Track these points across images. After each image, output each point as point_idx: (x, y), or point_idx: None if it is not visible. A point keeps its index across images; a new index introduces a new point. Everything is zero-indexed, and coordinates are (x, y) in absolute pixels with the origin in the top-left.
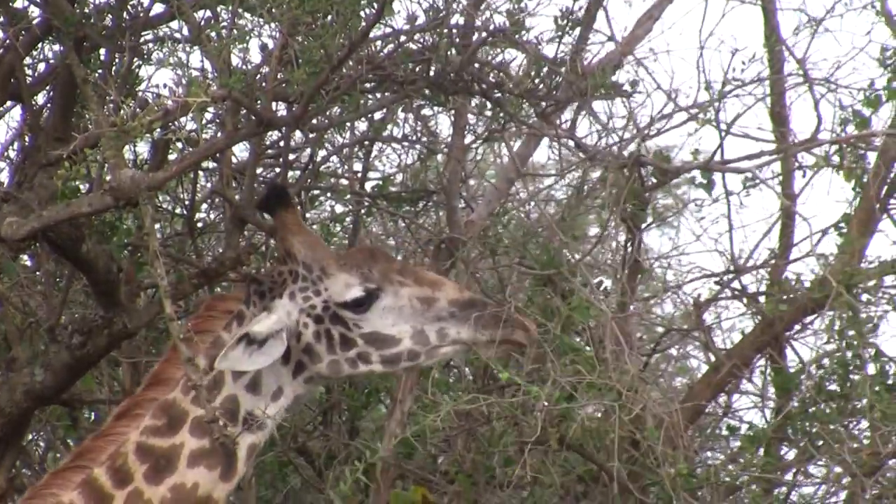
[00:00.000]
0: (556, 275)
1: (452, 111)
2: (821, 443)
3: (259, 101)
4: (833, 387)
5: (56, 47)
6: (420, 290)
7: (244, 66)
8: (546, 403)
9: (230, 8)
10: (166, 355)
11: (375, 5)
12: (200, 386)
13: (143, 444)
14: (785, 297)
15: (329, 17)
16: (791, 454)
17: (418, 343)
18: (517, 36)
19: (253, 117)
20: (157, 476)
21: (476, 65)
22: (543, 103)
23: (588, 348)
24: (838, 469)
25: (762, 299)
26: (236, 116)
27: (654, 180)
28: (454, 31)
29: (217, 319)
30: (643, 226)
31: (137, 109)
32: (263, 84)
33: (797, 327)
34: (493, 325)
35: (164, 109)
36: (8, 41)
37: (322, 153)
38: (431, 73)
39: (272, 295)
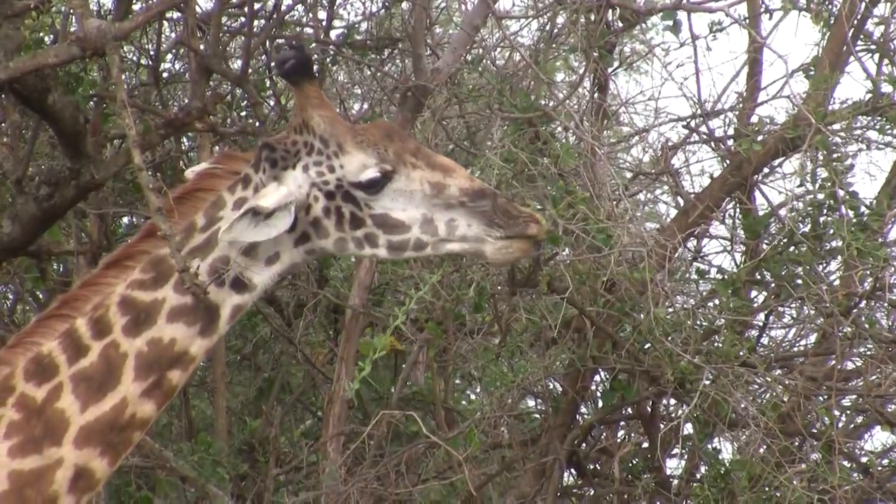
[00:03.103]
0: (536, 118)
1: None
2: (797, 283)
3: None
4: (805, 229)
5: None
6: (432, 175)
7: None
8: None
9: None
10: (168, 206)
11: None
12: (171, 235)
13: (127, 296)
14: (757, 139)
15: None
16: (761, 297)
17: (426, 233)
18: None
19: None
20: (136, 329)
21: None
22: None
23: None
24: (811, 311)
25: (731, 143)
26: None
27: (621, 24)
28: None
29: (221, 178)
30: (610, 70)
31: None
32: None
33: (766, 170)
34: (504, 223)
35: None
36: None
37: (287, 2)
38: None
39: (284, 164)
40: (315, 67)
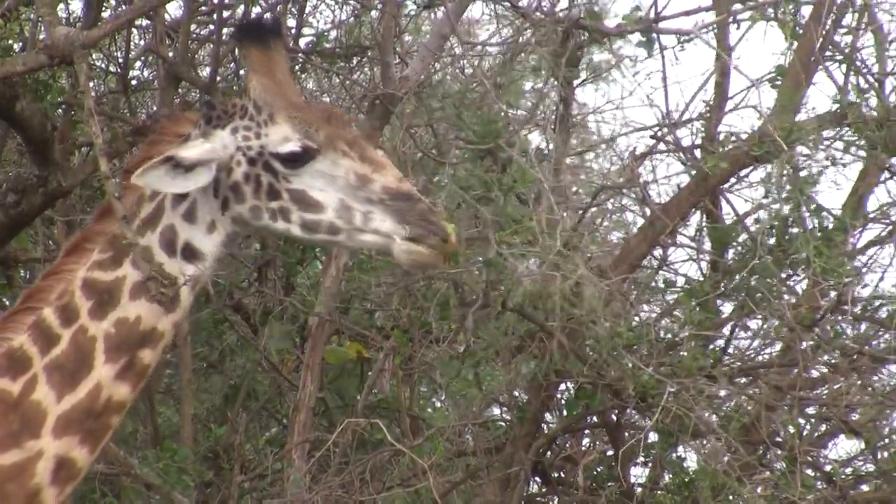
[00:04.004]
0: (494, 148)
1: None
2: (759, 296)
3: None
4: (771, 241)
5: None
6: (361, 167)
7: None
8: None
9: None
10: (114, 193)
11: None
12: (136, 245)
13: (89, 278)
14: (723, 150)
15: None
16: (728, 308)
17: (341, 218)
18: None
19: None
20: (101, 311)
21: None
22: None
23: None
24: (776, 322)
25: (697, 153)
26: None
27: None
28: None
29: (168, 143)
30: (576, 82)
31: None
32: None
33: (732, 180)
34: (415, 223)
35: None
36: None
37: (256, 10)
38: None
39: (217, 124)
40: (272, 39)
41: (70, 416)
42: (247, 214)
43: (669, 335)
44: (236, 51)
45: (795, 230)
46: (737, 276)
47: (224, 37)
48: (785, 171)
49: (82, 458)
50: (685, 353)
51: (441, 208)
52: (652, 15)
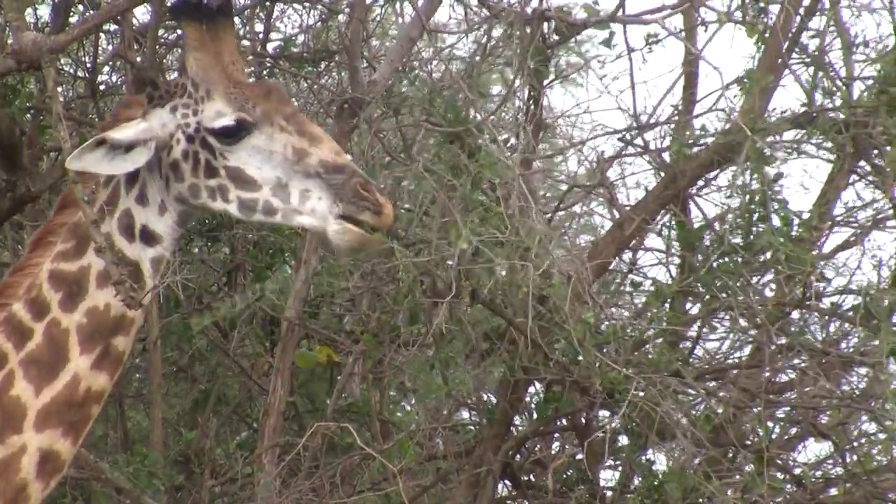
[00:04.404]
0: (463, 132)
1: None
2: (725, 295)
3: None
4: (737, 240)
5: None
6: (298, 141)
7: None
8: (458, 260)
9: None
10: (72, 178)
11: None
12: (104, 248)
13: (55, 270)
14: (691, 144)
15: None
16: (695, 309)
17: (276, 196)
18: None
19: None
20: (72, 302)
21: None
22: None
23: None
24: (743, 322)
25: (666, 155)
26: None
27: (558, 37)
28: None
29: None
30: (546, 82)
31: None
32: None
33: (700, 183)
34: (347, 199)
35: None
36: None
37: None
38: None
39: (158, 103)
40: (213, 16)
41: (50, 408)
42: (186, 193)
43: (637, 333)
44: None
45: (762, 228)
46: (701, 272)
47: None
48: (749, 169)
49: (66, 449)
50: (653, 351)
51: (376, 184)
52: (618, 11)
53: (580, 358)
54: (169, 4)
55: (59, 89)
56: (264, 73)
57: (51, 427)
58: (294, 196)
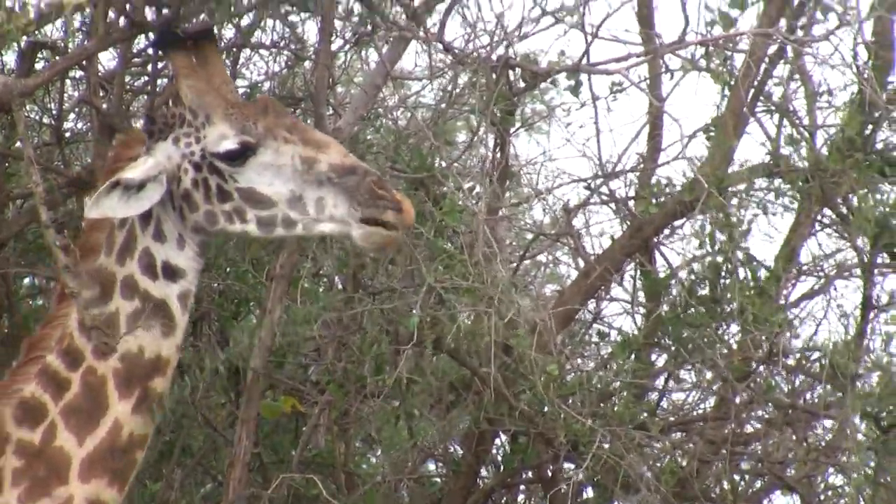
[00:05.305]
0: (427, 178)
1: (319, 17)
2: (691, 346)
3: (130, 4)
4: (703, 292)
5: None
6: (304, 150)
7: None
8: (420, 308)
9: None
10: (87, 223)
11: None
12: (78, 294)
13: (84, 318)
14: (655, 199)
15: None
16: (662, 360)
17: (294, 209)
18: None
19: (125, 19)
20: None
21: None
22: (413, 2)
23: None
24: (709, 374)
25: (631, 204)
26: (107, 20)
27: (523, 84)
28: None
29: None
30: (512, 130)
31: (15, 8)
32: None
33: (666, 232)
34: (365, 202)
35: (38, 12)
36: None
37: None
38: None
39: (159, 137)
40: (199, 41)
41: (94, 457)
42: (202, 221)
43: (602, 384)
44: (170, 102)
45: (728, 281)
46: (671, 327)
47: (158, 88)
48: (718, 217)
49: (112, 498)
50: (618, 402)
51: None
52: (582, 60)
53: (545, 409)
54: (153, 38)
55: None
56: None
57: (96, 476)
58: (310, 206)
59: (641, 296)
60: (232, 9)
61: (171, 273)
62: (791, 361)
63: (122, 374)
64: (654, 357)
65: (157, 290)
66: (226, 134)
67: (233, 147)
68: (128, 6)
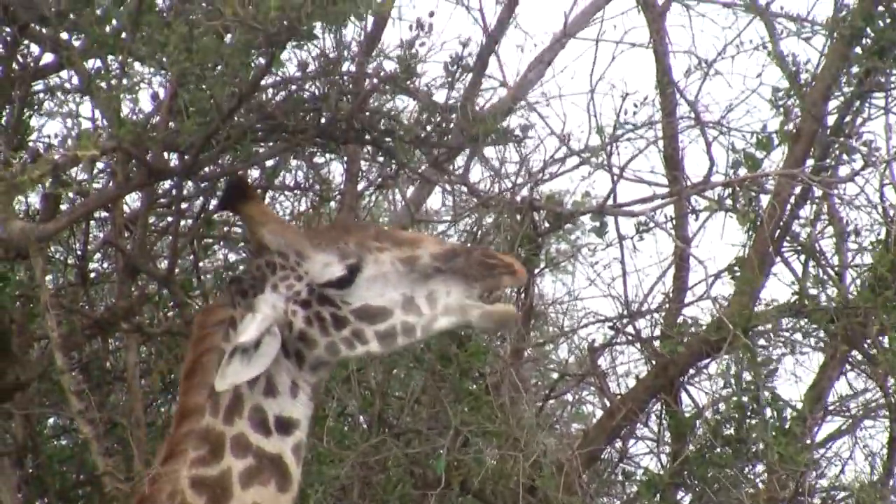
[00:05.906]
0: None
1: (345, 158)
2: (716, 486)
3: (150, 152)
4: (729, 431)
5: None
6: (400, 252)
7: (134, 116)
8: (447, 449)
9: (120, 58)
10: (182, 387)
11: (264, 57)
12: (91, 440)
13: (195, 477)
14: (682, 339)
15: (219, 68)
16: (687, 499)
17: (410, 313)
18: (408, 82)
19: (144, 168)
20: None
21: (367, 112)
22: (435, 150)
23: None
24: None
25: (657, 343)
26: (127, 167)
27: (548, 225)
28: (344, 78)
29: (213, 334)
30: (537, 270)
31: (28, 161)
32: (154, 134)
33: (692, 371)
34: (480, 276)
35: (53, 163)
36: None
37: (214, 202)
38: (322, 122)
39: (254, 292)
40: (253, 190)
41: None
42: (325, 355)
43: None
44: (194, 242)
45: (754, 421)
46: (696, 466)
47: (182, 228)
48: (743, 359)
49: None
50: None
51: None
52: (607, 201)
53: None
54: (219, 200)
55: (49, 276)
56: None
57: None
58: (423, 304)
59: (667, 435)
60: (251, 157)
61: (285, 426)
62: (817, 501)
63: None
64: (679, 496)
65: (271, 445)
66: (328, 262)
67: (342, 273)
68: (148, 154)
